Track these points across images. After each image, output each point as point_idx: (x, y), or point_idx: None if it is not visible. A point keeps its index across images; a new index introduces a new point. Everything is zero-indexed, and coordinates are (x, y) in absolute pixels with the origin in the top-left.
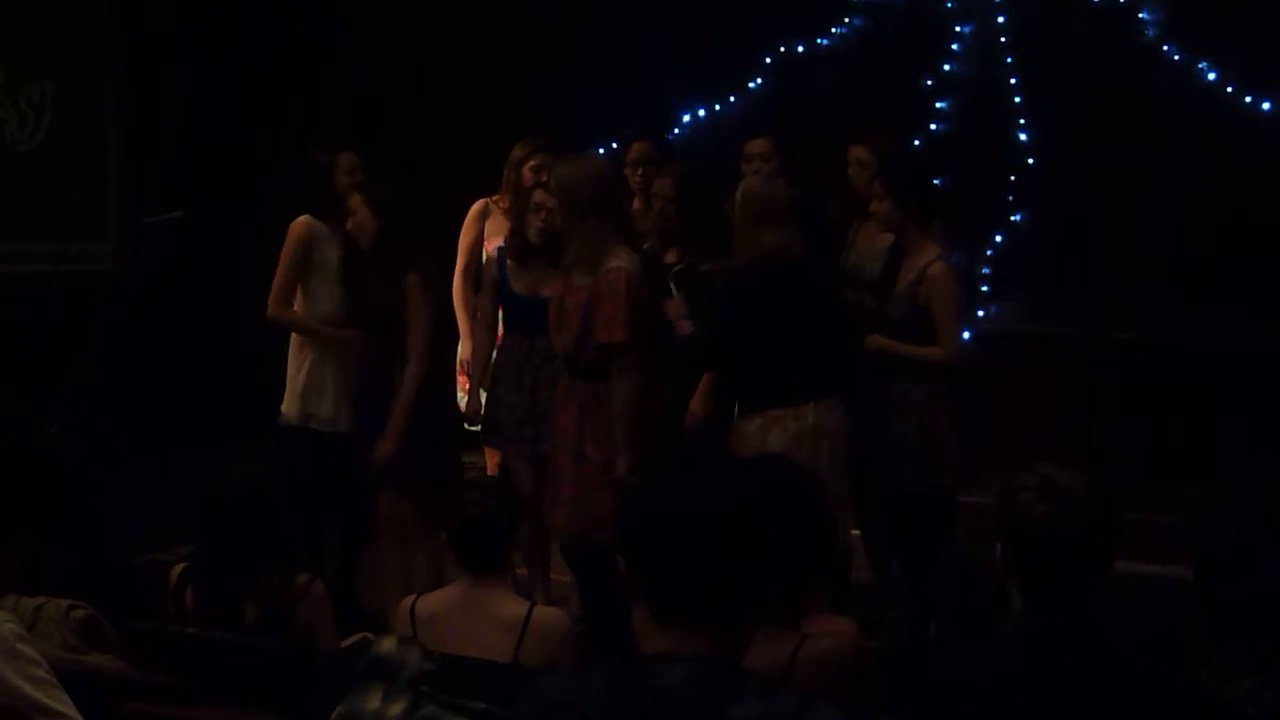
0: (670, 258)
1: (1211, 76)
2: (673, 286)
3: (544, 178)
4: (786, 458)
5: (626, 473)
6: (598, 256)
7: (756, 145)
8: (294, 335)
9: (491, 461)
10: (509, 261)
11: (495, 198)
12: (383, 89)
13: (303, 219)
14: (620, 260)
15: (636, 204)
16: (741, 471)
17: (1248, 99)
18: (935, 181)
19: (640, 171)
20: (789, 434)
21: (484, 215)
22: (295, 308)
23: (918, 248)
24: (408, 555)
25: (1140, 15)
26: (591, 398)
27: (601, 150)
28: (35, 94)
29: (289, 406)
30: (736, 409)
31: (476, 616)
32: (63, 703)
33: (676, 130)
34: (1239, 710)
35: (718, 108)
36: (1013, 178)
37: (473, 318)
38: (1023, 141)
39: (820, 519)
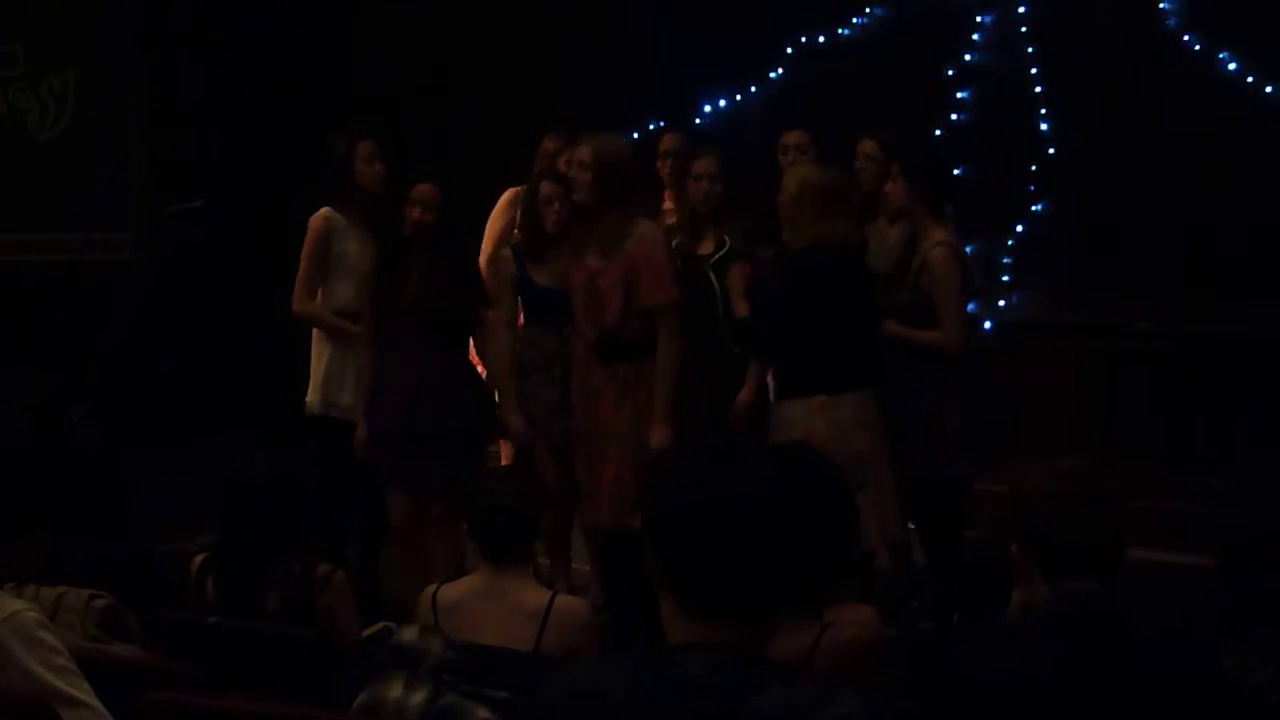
0: (705, 248)
1: (1232, 67)
2: (712, 276)
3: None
4: (811, 447)
5: (662, 444)
6: (624, 235)
7: (793, 136)
8: None
9: (505, 453)
10: (526, 260)
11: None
12: (406, 78)
13: (321, 211)
14: (646, 228)
15: (667, 200)
16: (770, 463)
17: (1269, 89)
18: (956, 171)
19: (671, 163)
20: (832, 423)
21: (515, 203)
22: (317, 300)
23: (926, 234)
24: (429, 545)
25: (1161, 5)
26: (633, 377)
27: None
28: (57, 83)
29: (312, 396)
30: (776, 391)
31: (498, 605)
32: (84, 691)
33: (698, 120)
34: (1262, 698)
35: (739, 98)
36: (1033, 167)
37: (497, 309)
38: (1043, 131)
39: (845, 509)
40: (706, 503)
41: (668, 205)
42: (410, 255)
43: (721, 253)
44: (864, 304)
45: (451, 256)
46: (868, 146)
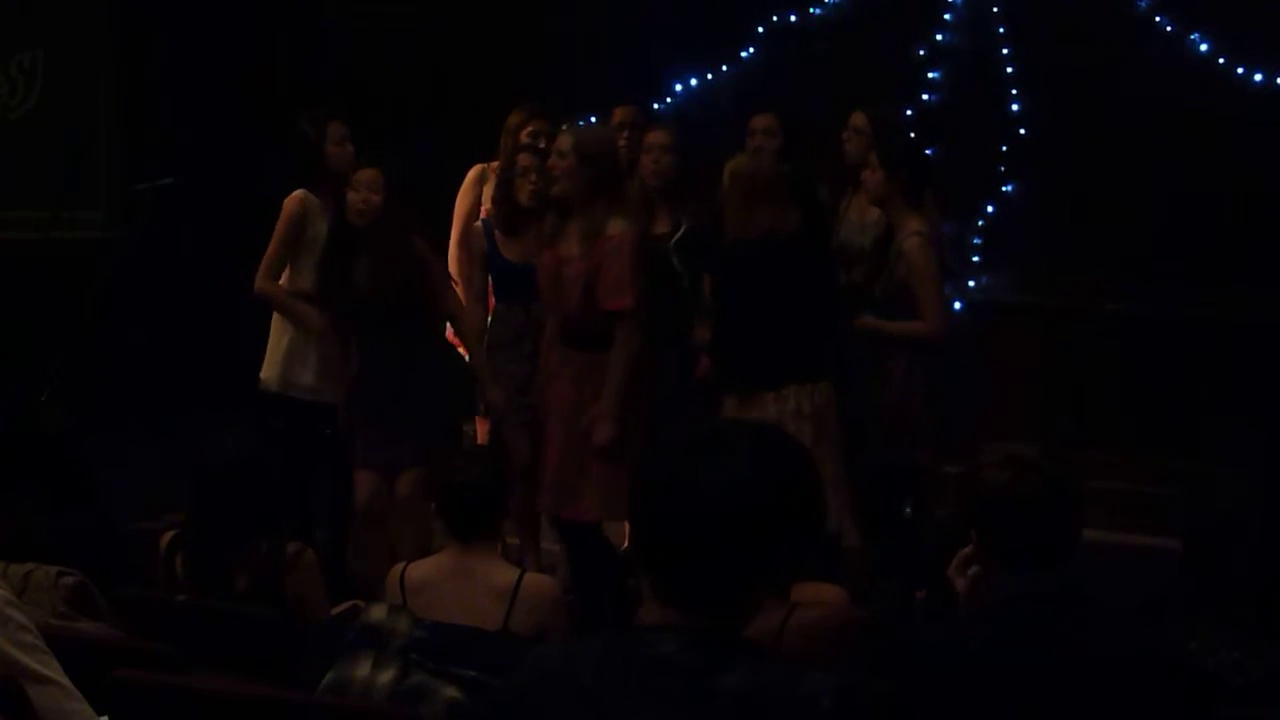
0: (662, 226)
1: (1204, 48)
2: (675, 261)
3: (541, 144)
4: (783, 430)
5: (603, 442)
6: (599, 229)
7: (761, 121)
8: None
9: (482, 430)
10: (497, 232)
11: (493, 164)
12: (375, 58)
13: (297, 193)
14: (620, 226)
15: None
16: (753, 448)
17: (1239, 71)
18: (928, 152)
19: (627, 135)
20: (769, 416)
21: (481, 180)
22: (282, 282)
23: (902, 222)
24: (395, 526)
25: None
26: (588, 368)
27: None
28: (26, 60)
29: (269, 372)
30: (720, 386)
31: (467, 584)
32: (53, 668)
33: (668, 99)
34: (1225, 682)
35: (710, 77)
36: (1004, 148)
37: (469, 286)
38: (1014, 112)
39: (816, 494)
40: (686, 488)
41: None
42: (358, 241)
43: (680, 233)
44: (805, 295)
45: (400, 244)
46: (858, 120)
